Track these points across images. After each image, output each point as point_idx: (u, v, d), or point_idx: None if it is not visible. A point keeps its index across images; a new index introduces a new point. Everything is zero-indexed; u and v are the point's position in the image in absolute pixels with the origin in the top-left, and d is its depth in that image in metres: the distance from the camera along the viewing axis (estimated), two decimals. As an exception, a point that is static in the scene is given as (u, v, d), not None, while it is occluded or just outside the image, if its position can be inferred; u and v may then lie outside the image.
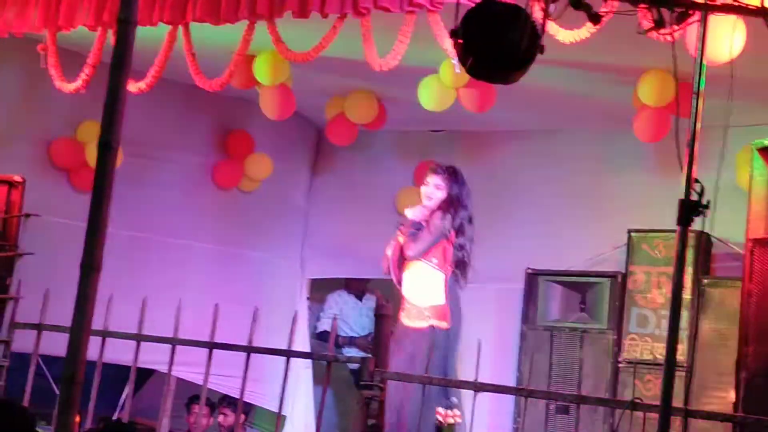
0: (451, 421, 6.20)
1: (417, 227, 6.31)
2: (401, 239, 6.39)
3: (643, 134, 6.97)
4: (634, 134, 7.04)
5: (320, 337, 8.82)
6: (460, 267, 6.37)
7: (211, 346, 5.27)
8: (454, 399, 6.12)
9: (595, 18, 3.85)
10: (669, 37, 3.63)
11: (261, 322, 5.18)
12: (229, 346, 5.31)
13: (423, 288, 6.26)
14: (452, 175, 6.37)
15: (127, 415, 5.62)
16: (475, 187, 6.79)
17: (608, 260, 7.66)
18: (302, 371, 8.74)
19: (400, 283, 6.37)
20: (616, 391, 7.16)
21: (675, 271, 3.42)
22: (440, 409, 6.11)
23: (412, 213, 6.35)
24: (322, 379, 5.70)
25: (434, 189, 6.33)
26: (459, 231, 6.30)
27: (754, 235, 5.24)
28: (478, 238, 6.73)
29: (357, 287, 8.92)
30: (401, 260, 6.39)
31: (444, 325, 6.21)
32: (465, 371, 5.26)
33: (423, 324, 6.20)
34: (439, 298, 6.22)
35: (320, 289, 9.25)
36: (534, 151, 8.33)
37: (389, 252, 6.36)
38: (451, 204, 6.30)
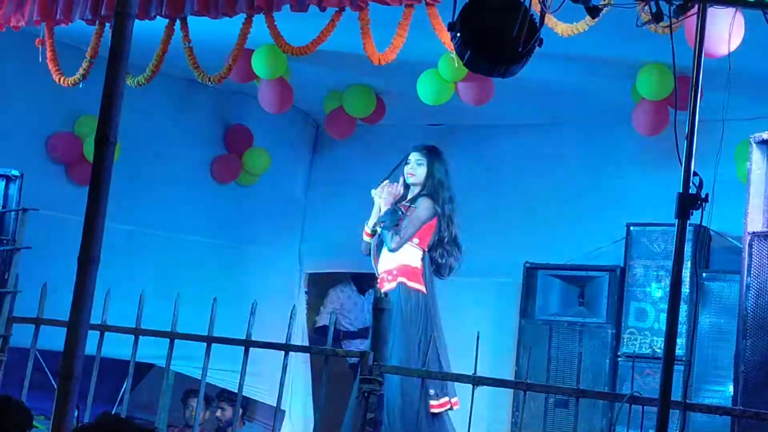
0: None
1: (393, 217, 6.38)
2: (368, 230, 6.53)
3: (641, 128, 6.97)
4: (632, 128, 7.03)
5: (319, 332, 8.80)
6: (443, 256, 6.42)
7: (210, 340, 5.26)
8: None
9: (593, 11, 3.85)
10: (667, 30, 3.62)
11: (259, 316, 5.18)
12: (228, 340, 5.30)
13: (396, 257, 6.33)
14: (431, 151, 6.51)
15: (126, 410, 5.61)
16: (473, 180, 6.80)
17: (607, 254, 7.65)
18: (301, 366, 8.74)
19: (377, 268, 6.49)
20: (615, 385, 7.16)
21: (674, 265, 3.42)
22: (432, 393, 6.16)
23: (384, 203, 6.46)
24: (320, 373, 5.70)
25: (416, 165, 6.49)
26: (448, 220, 6.39)
27: (752, 228, 5.23)
28: (476, 232, 6.75)
29: (365, 282, 8.86)
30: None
31: (415, 285, 6.25)
32: (463, 365, 5.26)
33: (392, 285, 6.26)
34: (412, 261, 6.26)
35: (319, 285, 9.23)
36: (532, 145, 8.32)
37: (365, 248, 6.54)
38: (435, 188, 6.41)
